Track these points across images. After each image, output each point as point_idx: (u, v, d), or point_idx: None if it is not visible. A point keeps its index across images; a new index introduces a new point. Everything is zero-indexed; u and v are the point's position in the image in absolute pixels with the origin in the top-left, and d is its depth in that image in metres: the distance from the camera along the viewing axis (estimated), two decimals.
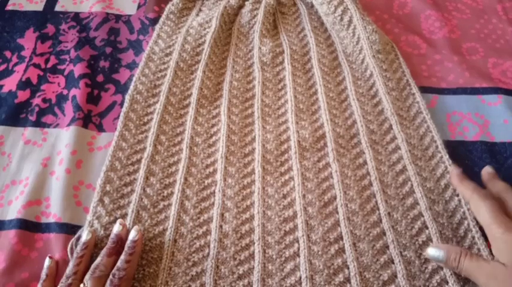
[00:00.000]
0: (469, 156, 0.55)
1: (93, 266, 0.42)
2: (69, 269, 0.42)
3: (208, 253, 0.46)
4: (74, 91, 0.61)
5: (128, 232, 0.45)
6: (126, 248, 0.43)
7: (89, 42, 0.69)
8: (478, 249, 0.45)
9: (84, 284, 0.40)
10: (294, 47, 0.66)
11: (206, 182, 0.51)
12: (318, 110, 0.58)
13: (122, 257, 0.42)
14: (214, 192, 0.50)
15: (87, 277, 0.41)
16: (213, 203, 0.49)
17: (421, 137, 0.55)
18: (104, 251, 0.43)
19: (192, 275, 0.44)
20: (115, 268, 0.41)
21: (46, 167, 0.54)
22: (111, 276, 0.41)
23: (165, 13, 0.71)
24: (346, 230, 0.46)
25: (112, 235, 0.45)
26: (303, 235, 0.46)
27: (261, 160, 0.52)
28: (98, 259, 0.42)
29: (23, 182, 0.53)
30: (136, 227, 0.45)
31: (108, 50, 0.67)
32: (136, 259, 0.43)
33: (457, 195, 0.50)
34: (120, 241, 0.44)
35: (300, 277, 0.44)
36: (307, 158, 0.53)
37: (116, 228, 0.45)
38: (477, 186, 0.46)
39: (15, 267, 0.46)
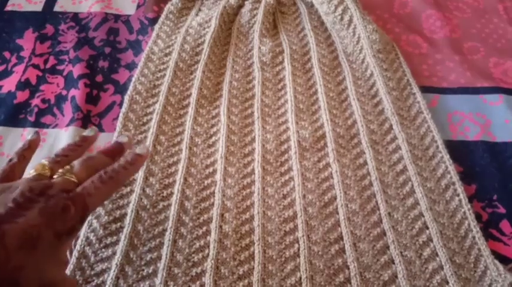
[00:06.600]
0: (470, 156, 0.55)
1: (86, 156, 0.38)
2: (63, 149, 0.39)
3: (208, 254, 0.45)
4: (73, 91, 0.61)
5: (130, 145, 0.42)
6: (128, 157, 0.39)
7: (88, 42, 0.68)
8: (479, 249, 0.45)
9: (71, 166, 0.36)
10: (294, 46, 0.66)
11: (206, 182, 0.51)
12: (318, 110, 0.58)
13: (121, 161, 0.38)
14: (214, 192, 0.50)
15: (76, 161, 0.37)
16: (213, 204, 0.49)
17: (422, 137, 0.55)
18: (100, 150, 0.40)
19: (192, 276, 0.44)
20: (110, 167, 0.37)
21: None
22: (102, 172, 0.36)
23: (164, 13, 0.71)
24: (347, 230, 0.46)
25: (113, 140, 0.41)
26: (303, 235, 0.46)
27: (261, 160, 0.52)
28: (93, 153, 0.39)
29: None
30: (146, 145, 0.42)
31: (107, 50, 0.67)
32: (134, 171, 0.40)
33: (458, 195, 0.49)
34: (121, 148, 0.41)
35: (300, 278, 0.43)
36: (307, 158, 0.53)
37: (121, 138, 0.42)
38: None
39: None
